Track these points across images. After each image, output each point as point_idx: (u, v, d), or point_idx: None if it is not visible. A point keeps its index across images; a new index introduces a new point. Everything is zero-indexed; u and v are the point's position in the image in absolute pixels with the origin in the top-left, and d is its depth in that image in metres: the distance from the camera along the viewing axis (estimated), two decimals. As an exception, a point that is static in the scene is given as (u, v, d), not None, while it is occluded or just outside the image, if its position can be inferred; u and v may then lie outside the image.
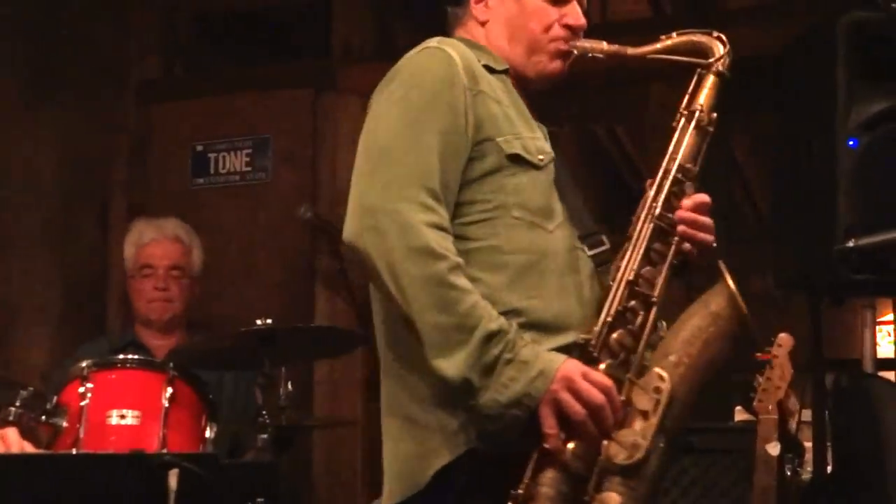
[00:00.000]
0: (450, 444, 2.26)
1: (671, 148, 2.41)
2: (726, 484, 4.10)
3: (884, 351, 6.81)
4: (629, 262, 2.32)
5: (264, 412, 3.82)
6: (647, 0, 6.24)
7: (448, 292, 2.20)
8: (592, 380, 2.20)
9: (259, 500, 3.21)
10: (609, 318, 2.28)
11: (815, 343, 4.58)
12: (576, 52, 2.51)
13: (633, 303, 2.31)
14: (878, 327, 6.95)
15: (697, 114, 2.41)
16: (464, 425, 2.25)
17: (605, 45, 2.50)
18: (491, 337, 2.19)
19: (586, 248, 2.39)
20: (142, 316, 4.47)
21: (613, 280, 2.32)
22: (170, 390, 3.61)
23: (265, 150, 5.62)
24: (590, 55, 2.51)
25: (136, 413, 3.57)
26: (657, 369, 2.25)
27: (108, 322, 5.53)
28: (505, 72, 2.49)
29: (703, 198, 2.40)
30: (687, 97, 2.44)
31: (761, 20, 5.22)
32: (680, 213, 2.36)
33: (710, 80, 2.43)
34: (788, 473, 3.66)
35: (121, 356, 3.93)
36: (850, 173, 3.74)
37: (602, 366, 2.25)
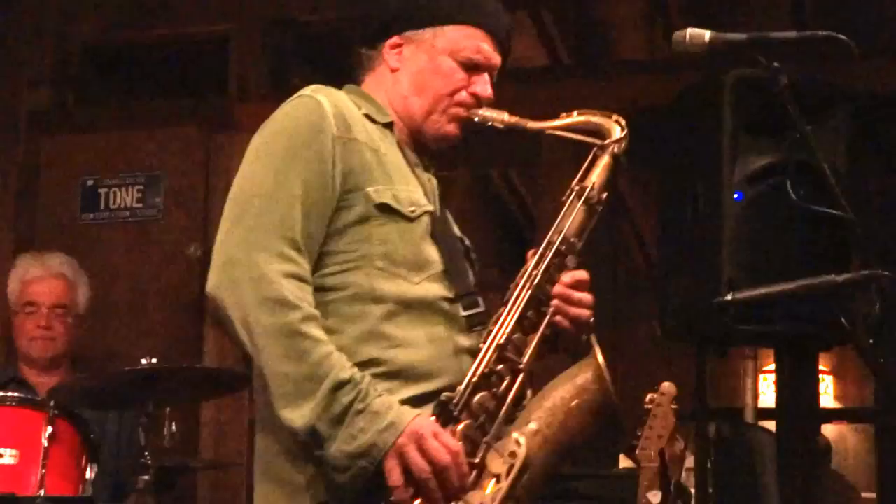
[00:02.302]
0: (297, 499, 2.26)
1: (557, 221, 2.42)
2: (609, 530, 4.14)
3: (767, 399, 6.92)
4: (502, 327, 2.32)
5: (147, 453, 3.77)
6: (543, 47, 6.32)
7: (300, 342, 2.19)
8: (441, 440, 2.18)
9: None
10: (474, 379, 2.27)
11: (698, 392, 4.65)
12: (476, 119, 2.51)
13: (500, 367, 2.30)
14: (762, 376, 7.08)
15: (587, 191, 2.43)
16: (313, 479, 2.23)
17: (506, 116, 2.50)
18: (341, 386, 2.18)
19: (461, 307, 2.39)
20: (24, 353, 4.40)
21: (484, 342, 2.32)
22: (50, 429, 3.56)
23: (157, 186, 5.57)
24: (490, 124, 2.51)
25: (14, 452, 3.51)
26: (515, 434, 2.24)
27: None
28: (388, 125, 2.49)
29: (582, 275, 2.41)
30: (580, 173, 2.46)
31: (651, 72, 5.33)
32: (556, 289, 2.37)
33: (605, 160, 2.46)
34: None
35: (0, 393, 3.85)
36: (734, 226, 3.81)
37: (460, 426, 2.24)
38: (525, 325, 2.35)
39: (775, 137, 3.76)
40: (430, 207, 2.42)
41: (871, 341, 2.48)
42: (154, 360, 3.77)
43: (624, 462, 5.03)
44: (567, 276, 2.38)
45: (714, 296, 3.53)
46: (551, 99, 5.28)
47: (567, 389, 2.27)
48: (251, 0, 5.75)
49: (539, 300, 2.37)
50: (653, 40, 6.26)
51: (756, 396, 4.53)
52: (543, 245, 2.40)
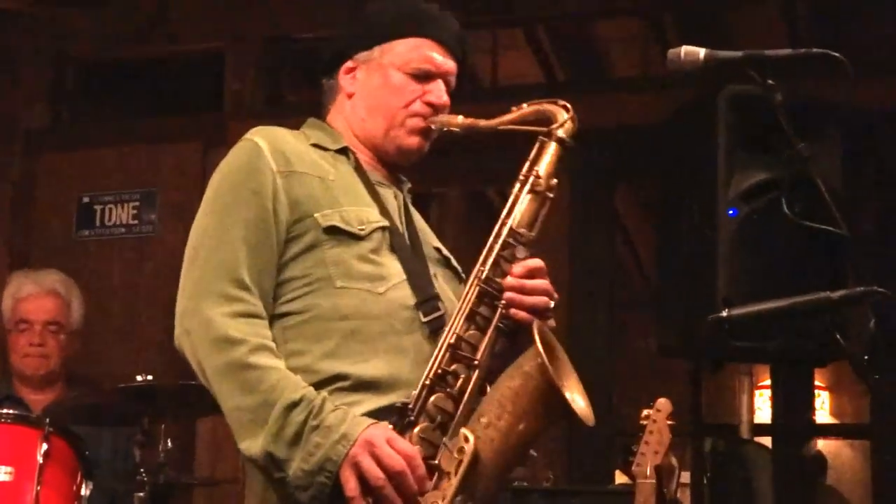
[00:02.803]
0: None
1: (503, 213, 2.39)
2: (606, 546, 4.14)
3: (763, 415, 6.92)
4: (452, 326, 2.32)
5: (142, 470, 3.77)
6: (538, 65, 6.33)
7: (249, 374, 2.23)
8: (396, 446, 2.19)
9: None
10: (427, 382, 2.27)
11: (694, 408, 4.66)
12: (434, 127, 2.53)
13: (454, 366, 2.29)
14: (757, 391, 7.09)
15: (532, 179, 2.39)
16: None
17: (459, 119, 2.51)
18: (293, 406, 2.20)
19: (421, 313, 2.38)
20: (17, 370, 4.39)
21: (438, 344, 2.32)
22: (45, 446, 3.55)
23: (152, 203, 5.58)
24: (446, 129, 2.52)
25: (9, 469, 3.51)
26: (464, 430, 2.22)
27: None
28: (342, 150, 2.53)
29: (535, 263, 2.37)
30: (527, 164, 2.43)
31: (646, 89, 5.34)
32: (507, 281, 2.34)
33: (552, 146, 2.42)
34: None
35: (-5, 410, 3.85)
36: (730, 242, 3.82)
37: (416, 429, 2.25)
38: (478, 321, 2.33)
39: (770, 154, 3.77)
40: (384, 223, 2.44)
41: (866, 357, 2.48)
42: (149, 377, 3.78)
43: (620, 478, 5.03)
44: (518, 267, 2.35)
45: (710, 312, 3.52)
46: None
47: (513, 379, 2.23)
48: (246, 17, 5.77)
49: (490, 294, 2.34)
50: (647, 58, 6.27)
51: (752, 412, 4.53)
52: (490, 238, 2.38)
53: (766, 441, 5.10)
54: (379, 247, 2.41)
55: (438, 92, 2.52)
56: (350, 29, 2.63)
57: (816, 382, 7.89)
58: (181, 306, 2.33)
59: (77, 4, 5.90)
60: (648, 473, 3.49)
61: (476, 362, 2.31)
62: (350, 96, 2.56)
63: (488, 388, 2.30)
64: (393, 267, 2.40)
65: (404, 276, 2.40)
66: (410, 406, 2.26)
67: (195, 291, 2.31)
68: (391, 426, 2.24)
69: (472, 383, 2.30)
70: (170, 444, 3.92)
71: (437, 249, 2.58)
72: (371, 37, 2.56)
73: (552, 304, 2.39)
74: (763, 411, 7.10)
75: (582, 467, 5.14)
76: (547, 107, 2.48)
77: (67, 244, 5.60)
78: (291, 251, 2.37)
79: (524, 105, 2.49)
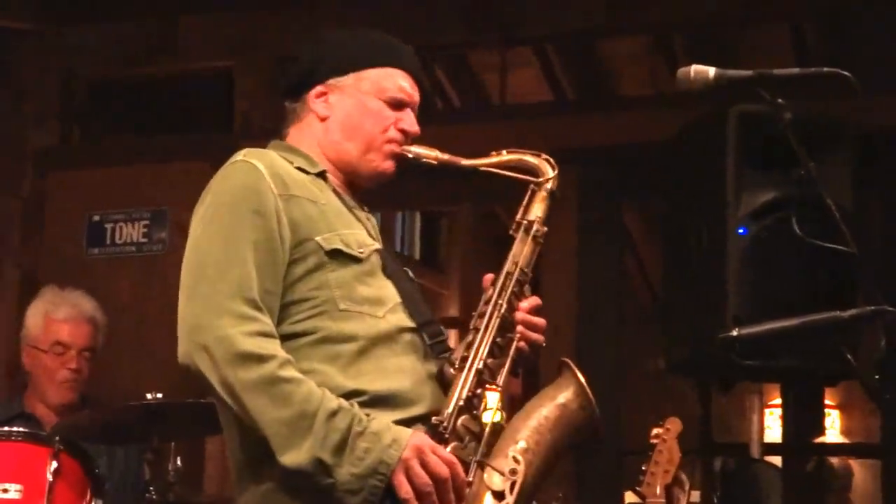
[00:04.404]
0: None
1: (513, 252, 2.57)
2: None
3: (773, 434, 6.90)
4: (477, 352, 2.45)
5: (151, 488, 3.77)
6: (547, 83, 6.34)
7: (282, 387, 2.29)
8: (440, 455, 2.31)
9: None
10: (461, 403, 2.39)
11: (704, 427, 4.65)
12: (410, 156, 2.62)
13: (479, 390, 2.43)
14: (768, 410, 7.07)
15: (535, 226, 2.59)
16: None
17: (438, 154, 2.63)
18: (334, 414, 2.28)
19: (425, 336, 2.51)
20: (42, 391, 4.33)
21: (461, 367, 2.44)
22: (55, 464, 3.55)
23: (162, 221, 5.59)
24: (423, 160, 2.62)
25: (19, 487, 3.50)
26: (512, 453, 2.36)
27: (-4, 391, 5.41)
28: (321, 174, 2.59)
29: (536, 301, 2.57)
30: (522, 209, 2.62)
31: (655, 107, 5.34)
32: (519, 315, 2.53)
33: (542, 195, 2.62)
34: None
35: (6, 428, 3.84)
36: (739, 261, 3.82)
37: (449, 447, 2.35)
38: (496, 350, 2.49)
39: (779, 173, 3.77)
40: (377, 245, 2.55)
41: (876, 377, 2.48)
42: (159, 395, 3.78)
43: (630, 498, 5.02)
44: (526, 303, 2.55)
45: (719, 331, 3.52)
46: (555, 133, 5.30)
47: (549, 409, 2.44)
48: (256, 36, 5.78)
49: (505, 327, 2.51)
50: (656, 76, 6.28)
51: (762, 431, 4.53)
52: (503, 275, 2.54)
53: (777, 460, 5.09)
54: (375, 269, 2.51)
55: (410, 120, 2.64)
56: (316, 53, 2.70)
57: (827, 401, 7.87)
58: (190, 322, 2.36)
59: (86, 23, 5.92)
60: (658, 492, 3.49)
61: (499, 388, 2.48)
62: (323, 119, 2.63)
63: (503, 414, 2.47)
64: (388, 289, 2.51)
65: (398, 299, 2.51)
66: (445, 424, 2.37)
67: (208, 308, 2.34)
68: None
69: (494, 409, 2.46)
70: (179, 461, 3.92)
71: (406, 271, 2.67)
72: (344, 64, 2.64)
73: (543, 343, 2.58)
74: (773, 430, 7.09)
75: (591, 486, 5.13)
76: (531, 159, 2.65)
77: (77, 262, 5.60)
78: (295, 273, 2.44)
79: (503, 151, 2.65)
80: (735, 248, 3.85)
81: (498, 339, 2.49)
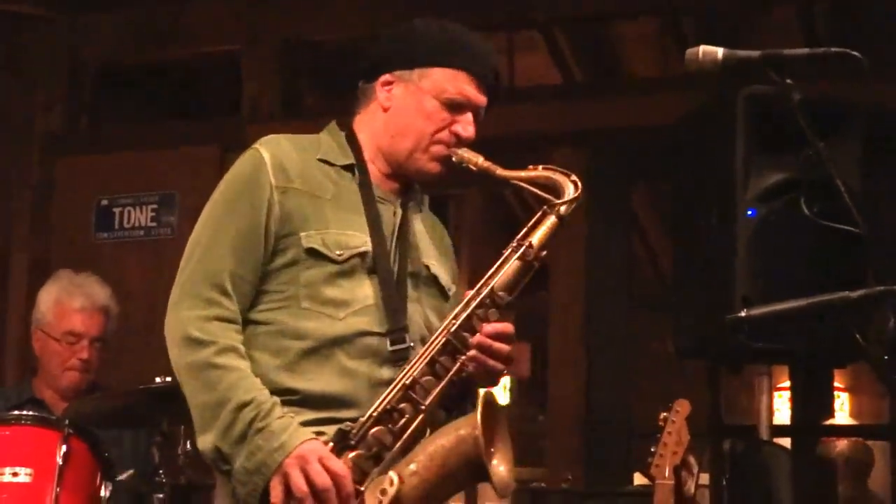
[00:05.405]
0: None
1: (490, 272, 2.52)
2: (624, 548, 4.13)
3: (783, 416, 6.90)
4: (412, 368, 2.45)
5: (161, 471, 3.78)
6: (556, 66, 6.33)
7: (211, 373, 2.41)
8: (326, 464, 2.35)
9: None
10: (375, 413, 2.41)
11: (713, 409, 4.64)
12: (455, 159, 2.61)
13: (403, 405, 2.43)
14: (777, 392, 7.07)
15: (524, 248, 2.52)
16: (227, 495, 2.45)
17: (480, 160, 2.60)
18: (243, 406, 2.38)
19: (388, 342, 2.51)
20: (52, 377, 4.33)
21: (395, 380, 2.45)
22: (64, 448, 3.55)
23: (171, 205, 5.60)
24: (465, 165, 2.60)
25: (29, 471, 3.51)
26: (391, 472, 2.37)
27: (6, 376, 5.43)
28: (348, 167, 2.61)
29: (506, 327, 2.50)
30: (525, 229, 2.56)
31: (664, 89, 5.33)
32: (477, 338, 2.47)
33: (551, 220, 2.55)
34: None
35: (15, 412, 3.85)
36: (748, 243, 3.80)
37: (352, 454, 2.38)
38: (436, 368, 2.47)
39: (788, 154, 3.75)
40: (365, 248, 2.54)
41: (886, 358, 2.47)
42: (168, 379, 3.77)
43: (639, 480, 5.02)
44: (489, 327, 2.48)
45: (728, 313, 3.51)
46: (564, 116, 5.29)
47: (448, 439, 2.40)
48: (264, 21, 5.78)
49: (454, 347, 2.47)
50: (665, 58, 6.27)
51: (771, 413, 4.51)
52: (471, 294, 2.51)
53: (786, 442, 5.09)
54: (355, 271, 2.53)
55: (466, 125, 2.62)
56: (395, 41, 2.70)
57: (836, 383, 7.87)
58: (170, 302, 2.52)
59: (94, 9, 5.92)
60: (667, 474, 3.49)
61: (423, 406, 2.45)
62: (385, 110, 2.65)
63: (428, 432, 2.44)
64: (363, 292, 2.53)
65: (371, 301, 2.53)
66: (354, 431, 2.40)
67: (182, 290, 2.50)
68: (330, 444, 2.39)
69: (414, 425, 2.44)
70: (189, 445, 3.93)
71: (427, 267, 2.68)
72: (413, 58, 2.64)
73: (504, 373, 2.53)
74: (782, 412, 7.08)
75: (600, 468, 5.14)
76: (559, 177, 2.59)
77: (86, 247, 5.62)
78: (274, 263, 2.52)
79: (540, 167, 2.59)
80: (744, 230, 3.83)
81: (442, 359, 2.46)
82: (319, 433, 2.41)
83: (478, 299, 2.49)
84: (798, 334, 3.78)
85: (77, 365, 4.30)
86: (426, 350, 2.47)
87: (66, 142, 5.88)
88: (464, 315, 2.48)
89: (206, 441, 2.41)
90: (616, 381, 5.36)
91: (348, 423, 2.41)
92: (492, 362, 2.49)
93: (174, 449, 3.94)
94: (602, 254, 5.36)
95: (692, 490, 3.65)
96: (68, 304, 4.32)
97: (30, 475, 3.51)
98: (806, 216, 3.45)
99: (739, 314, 2.51)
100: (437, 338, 2.48)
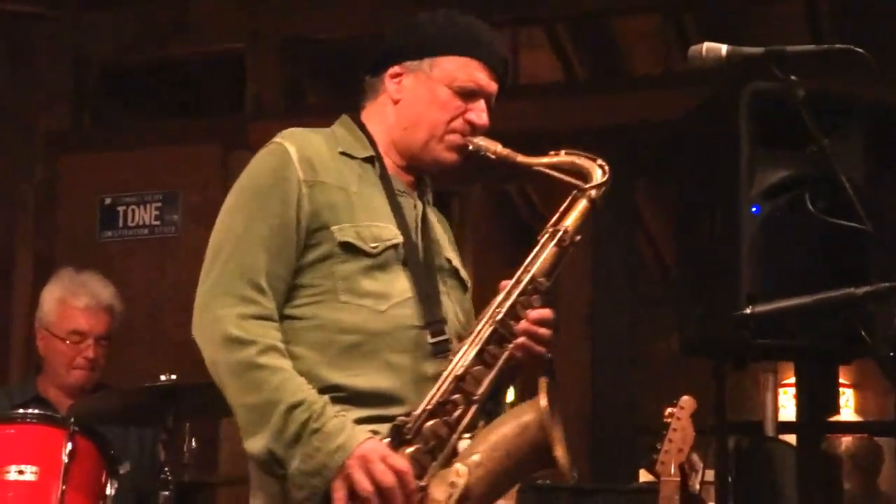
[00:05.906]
0: None
1: (528, 260, 2.51)
2: (629, 544, 4.13)
3: (788, 413, 6.90)
4: (462, 358, 2.42)
5: (167, 469, 3.78)
6: (558, 62, 6.33)
7: (256, 374, 2.34)
8: (389, 462, 2.31)
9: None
10: (429, 407, 2.38)
11: (718, 407, 4.65)
12: (471, 147, 2.59)
13: (456, 396, 2.40)
14: (782, 389, 7.06)
15: (561, 233, 2.50)
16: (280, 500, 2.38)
17: (499, 148, 2.58)
18: (294, 407, 2.32)
19: (429, 334, 2.48)
20: (56, 375, 4.33)
21: (444, 371, 2.42)
22: (70, 446, 3.56)
23: (175, 204, 5.60)
24: (482, 153, 2.58)
25: (34, 469, 3.52)
26: (458, 465, 2.35)
27: (11, 374, 5.44)
28: (368, 159, 2.59)
29: (547, 313, 2.49)
30: (557, 215, 2.54)
31: (667, 86, 5.33)
32: (524, 325, 2.46)
33: (582, 203, 2.53)
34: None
35: (20, 410, 3.86)
36: (753, 240, 3.81)
37: (410, 449, 2.36)
38: (485, 358, 2.44)
39: (792, 151, 3.75)
40: (397, 240, 2.52)
41: (891, 354, 2.47)
42: (173, 377, 3.78)
43: (644, 476, 5.02)
44: (534, 314, 2.47)
45: (733, 309, 3.52)
46: (567, 113, 5.29)
47: (511, 427, 2.38)
48: (267, 19, 5.78)
49: (501, 336, 2.45)
50: (668, 54, 6.26)
51: (776, 410, 4.51)
52: (512, 282, 2.49)
53: (791, 438, 5.09)
54: (389, 264, 2.49)
55: (480, 112, 2.60)
56: (401, 33, 2.67)
57: (841, 380, 7.87)
58: (199, 300, 2.44)
59: (97, 7, 5.93)
60: (672, 471, 3.49)
61: (476, 397, 2.43)
62: (396, 102, 2.62)
63: (480, 424, 2.42)
64: (400, 284, 2.50)
65: (409, 294, 2.49)
66: (409, 426, 2.37)
67: (213, 288, 2.42)
68: (387, 440, 2.35)
69: (468, 416, 2.41)
70: (194, 443, 3.93)
71: (448, 260, 2.66)
72: (422, 48, 2.61)
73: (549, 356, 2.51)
74: (787, 409, 7.08)
75: (606, 465, 5.13)
76: (584, 162, 2.57)
77: (90, 245, 5.62)
78: (307, 258, 2.47)
79: (562, 152, 2.58)
80: (748, 227, 3.83)
81: (490, 348, 2.44)
82: (374, 432, 2.37)
83: (520, 287, 2.47)
84: (803, 331, 3.78)
85: (83, 364, 4.29)
86: (473, 339, 2.44)
87: (69, 140, 5.88)
88: (507, 303, 2.46)
89: (256, 444, 2.33)
90: (621, 378, 5.36)
91: (402, 417, 2.37)
92: (538, 348, 2.47)
93: (179, 447, 3.94)
94: (606, 251, 5.36)
95: (698, 487, 3.65)
96: (72, 303, 4.32)
97: (35, 473, 3.52)
98: (810, 213, 3.45)
99: (744, 311, 2.52)
100: (482, 328, 2.45)
